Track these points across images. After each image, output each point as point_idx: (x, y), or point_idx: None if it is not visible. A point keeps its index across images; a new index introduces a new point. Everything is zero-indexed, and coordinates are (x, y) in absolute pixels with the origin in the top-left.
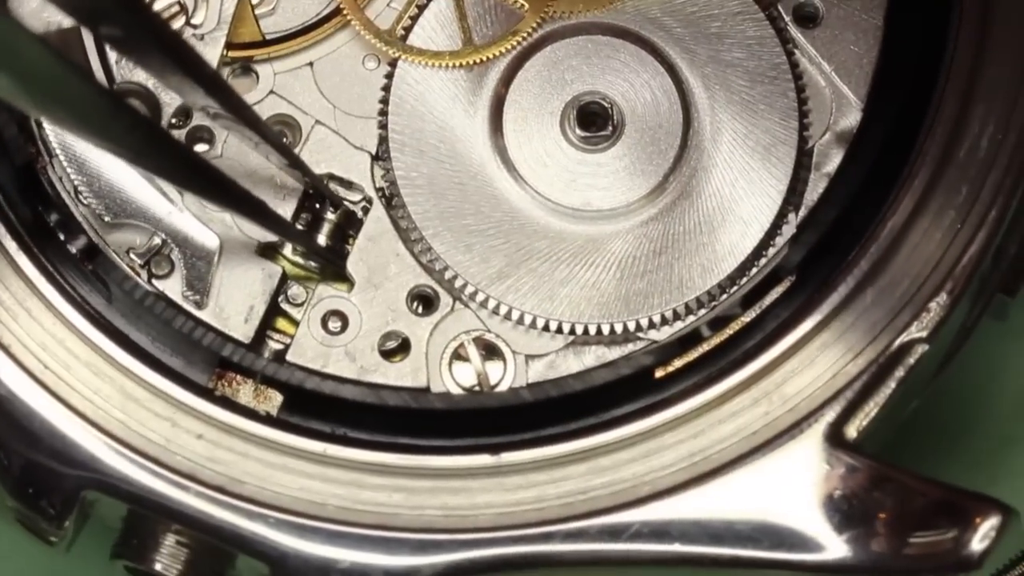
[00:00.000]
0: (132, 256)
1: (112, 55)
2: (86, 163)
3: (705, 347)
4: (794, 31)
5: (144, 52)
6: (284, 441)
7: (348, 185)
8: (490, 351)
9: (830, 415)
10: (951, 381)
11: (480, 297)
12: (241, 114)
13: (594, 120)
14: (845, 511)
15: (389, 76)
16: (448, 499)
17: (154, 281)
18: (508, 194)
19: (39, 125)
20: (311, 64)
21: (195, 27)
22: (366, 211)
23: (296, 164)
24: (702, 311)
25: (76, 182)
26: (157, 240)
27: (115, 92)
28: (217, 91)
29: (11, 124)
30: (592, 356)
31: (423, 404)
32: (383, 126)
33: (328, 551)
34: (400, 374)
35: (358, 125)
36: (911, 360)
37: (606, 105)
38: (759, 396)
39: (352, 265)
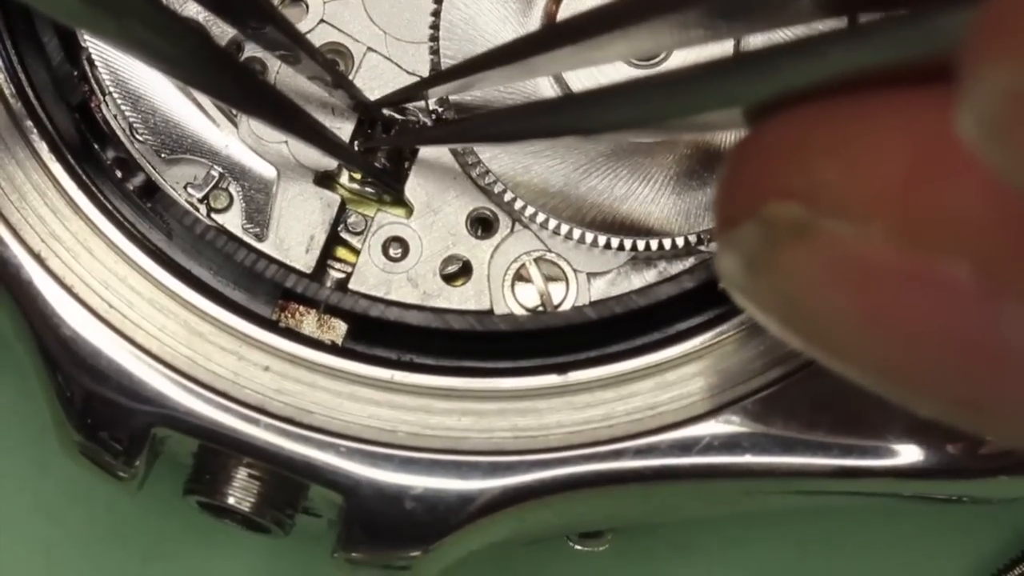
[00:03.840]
0: (190, 191)
1: None
2: (140, 99)
3: None
4: None
5: None
6: (351, 369)
7: (402, 111)
8: (552, 271)
9: None
10: None
11: (540, 217)
12: (289, 34)
13: None
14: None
15: (438, 0)
16: (518, 420)
17: (213, 215)
18: None
19: (91, 63)
20: None
21: None
22: None
23: (344, 85)
24: None
25: (131, 119)
26: (215, 174)
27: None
28: (268, 16)
29: (64, 63)
30: (654, 271)
31: (488, 326)
32: (435, 51)
33: (401, 478)
34: (463, 297)
35: (410, 50)
36: None
37: None
38: None
39: (410, 190)
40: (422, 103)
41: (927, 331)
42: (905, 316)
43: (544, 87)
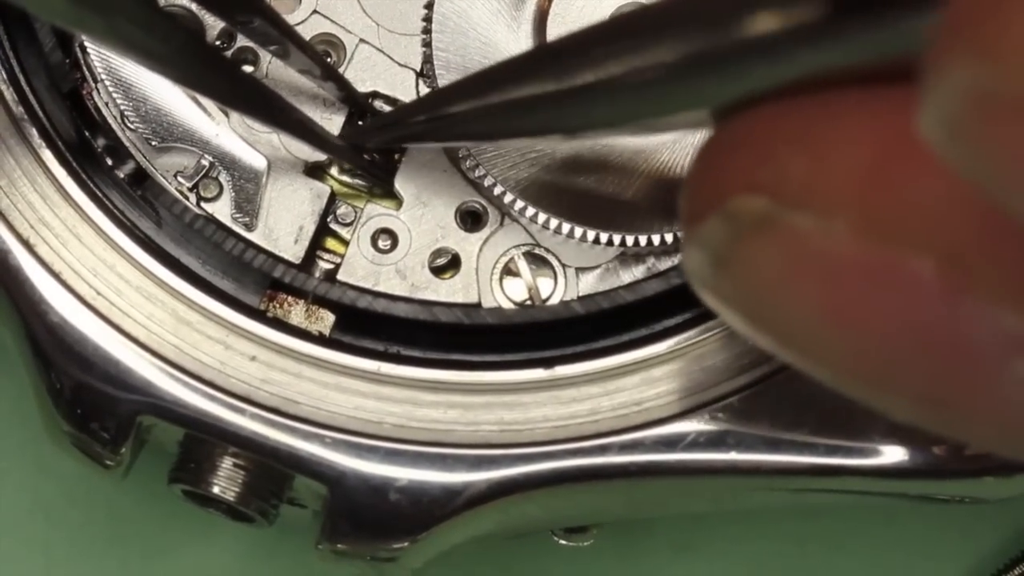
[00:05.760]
0: (180, 180)
1: None
2: (132, 87)
3: None
4: None
5: None
6: (338, 361)
7: (394, 103)
8: (540, 265)
9: None
10: None
11: (529, 212)
12: (278, 26)
13: None
14: None
15: None
16: (503, 414)
17: (203, 204)
18: None
19: (84, 50)
20: None
21: None
22: None
23: (334, 77)
24: None
25: (122, 107)
26: (205, 163)
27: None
28: (257, 10)
29: (56, 50)
30: (642, 267)
31: (475, 320)
32: (427, 44)
33: (386, 470)
34: (451, 290)
35: (402, 42)
36: None
37: None
38: None
39: (400, 183)
40: (414, 98)
41: (891, 327)
42: (868, 312)
43: None
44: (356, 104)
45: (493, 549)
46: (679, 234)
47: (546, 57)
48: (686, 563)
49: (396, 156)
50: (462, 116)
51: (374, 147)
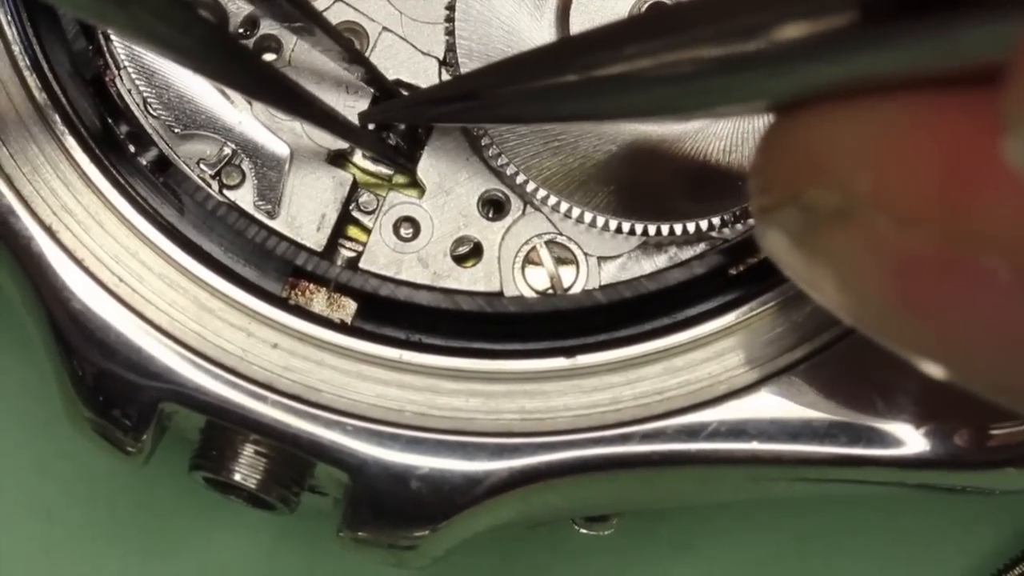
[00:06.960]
0: (203, 167)
1: None
2: (155, 74)
3: None
4: None
5: None
6: (359, 348)
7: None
8: (562, 254)
9: None
10: None
11: (551, 200)
12: (302, 9)
13: None
14: (924, 404)
15: None
16: (525, 403)
17: (225, 191)
18: None
19: (107, 38)
20: None
21: None
22: None
23: (359, 60)
24: None
25: (145, 94)
26: (227, 150)
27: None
28: None
29: (80, 38)
30: (664, 256)
31: (497, 308)
32: (450, 32)
33: (407, 457)
34: (473, 279)
35: (425, 31)
36: None
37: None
38: None
39: (422, 171)
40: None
41: (967, 319)
42: (945, 302)
43: None
44: (382, 87)
45: (492, 547)
46: (701, 224)
47: (579, 46)
48: (686, 562)
49: (419, 144)
50: (492, 98)
51: (402, 124)
